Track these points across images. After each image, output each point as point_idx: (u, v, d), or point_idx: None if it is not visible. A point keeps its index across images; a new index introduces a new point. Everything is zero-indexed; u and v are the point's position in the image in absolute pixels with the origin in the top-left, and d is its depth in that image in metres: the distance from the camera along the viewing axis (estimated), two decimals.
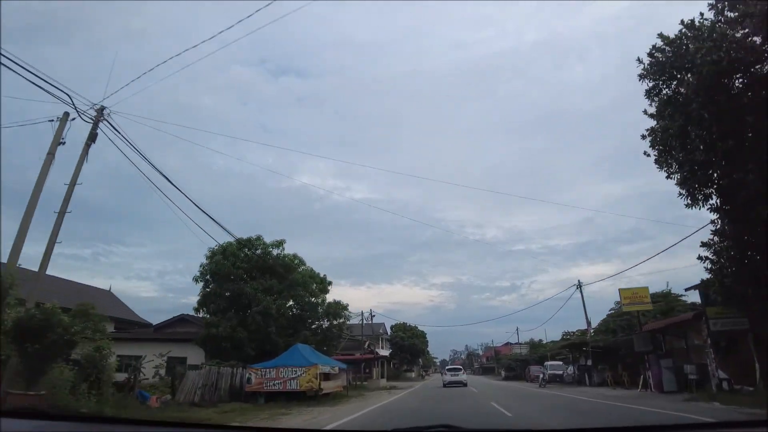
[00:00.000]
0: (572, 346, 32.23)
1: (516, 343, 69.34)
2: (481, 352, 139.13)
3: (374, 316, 56.07)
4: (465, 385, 33.16)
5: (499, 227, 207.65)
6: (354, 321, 51.16)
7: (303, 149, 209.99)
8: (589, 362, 29.96)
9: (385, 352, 64.54)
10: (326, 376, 22.43)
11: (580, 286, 39.06)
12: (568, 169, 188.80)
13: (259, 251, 28.01)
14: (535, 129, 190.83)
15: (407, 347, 59.91)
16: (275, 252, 28.14)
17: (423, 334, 64.50)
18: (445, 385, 33.28)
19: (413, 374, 74.34)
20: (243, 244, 26.94)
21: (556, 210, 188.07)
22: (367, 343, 63.80)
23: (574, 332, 35.38)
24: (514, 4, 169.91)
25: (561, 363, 43.31)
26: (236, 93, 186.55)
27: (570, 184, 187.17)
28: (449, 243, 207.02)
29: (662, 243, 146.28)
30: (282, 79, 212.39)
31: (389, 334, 62.95)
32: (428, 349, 67.13)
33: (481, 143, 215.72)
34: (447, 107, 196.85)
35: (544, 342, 68.28)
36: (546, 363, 44.55)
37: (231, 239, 26.15)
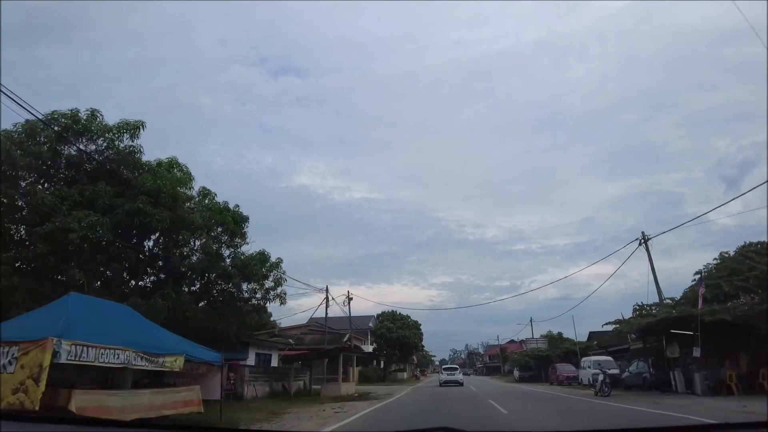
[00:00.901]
0: (664, 326, 19.01)
1: (531, 338, 56.51)
2: (482, 351, 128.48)
3: (351, 298, 43.22)
4: (461, 384, 33.77)
5: (499, 227, 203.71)
6: (333, 311, 38.47)
7: (302, 149, 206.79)
8: (697, 353, 16.92)
9: (371, 348, 51.69)
10: (159, 379, 9.43)
11: (645, 240, 26.12)
12: (568, 169, 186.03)
13: (102, 144, 15.07)
14: (534, 128, 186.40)
15: (395, 341, 46.94)
16: (122, 144, 15.11)
17: (416, 325, 51.59)
18: (441, 384, 33.99)
19: (405, 375, 61.27)
20: (59, 124, 13.89)
21: (556, 209, 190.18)
22: (347, 336, 51.39)
23: (650, 306, 22.27)
24: (513, 4, 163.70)
25: (610, 359, 30.41)
26: (235, 92, 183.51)
27: (570, 184, 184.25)
28: (449, 243, 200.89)
29: (662, 242, 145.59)
30: (281, 79, 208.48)
31: (374, 325, 50.02)
32: (423, 343, 54.14)
33: (481, 143, 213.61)
34: (447, 106, 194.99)
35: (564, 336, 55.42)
36: (589, 359, 31.68)
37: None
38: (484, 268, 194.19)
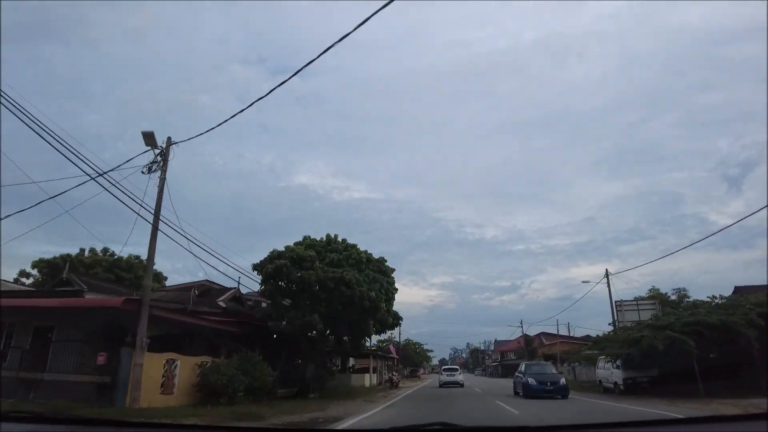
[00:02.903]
0: None
1: (628, 302, 27.58)
2: (483, 348, 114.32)
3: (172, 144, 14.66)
4: (462, 385, 32.86)
5: (499, 227, 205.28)
6: None
7: (302, 148, 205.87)
8: None
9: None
10: None
11: None
12: (568, 169, 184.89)
13: None
14: (534, 128, 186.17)
15: (321, 289, 17.91)
16: None
17: (381, 266, 22.65)
18: (441, 385, 32.86)
19: (371, 379, 32.18)
20: None
21: (556, 209, 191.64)
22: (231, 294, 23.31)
23: None
24: (512, 3, 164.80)
25: None
26: (235, 91, 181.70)
27: (570, 184, 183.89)
28: (449, 242, 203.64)
29: (662, 243, 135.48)
30: (281, 78, 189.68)
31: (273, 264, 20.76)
32: (392, 306, 24.58)
33: (481, 142, 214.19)
34: (446, 106, 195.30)
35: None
36: None
37: None
38: (484, 268, 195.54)
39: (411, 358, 66.65)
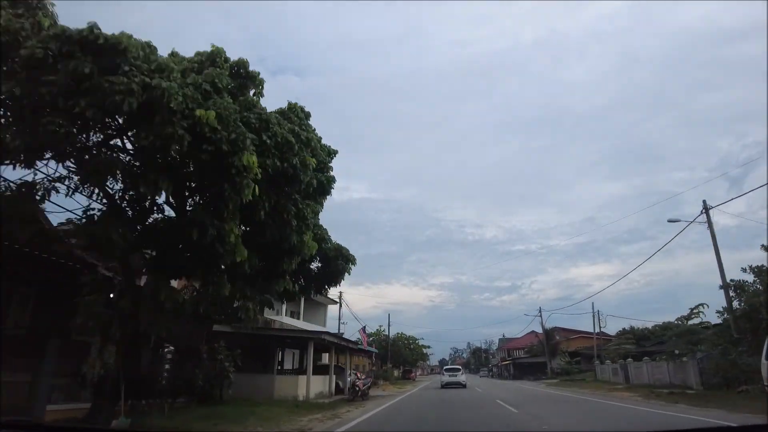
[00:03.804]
0: None
1: None
2: (487, 347, 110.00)
3: None
4: (464, 386, 33.11)
5: (499, 227, 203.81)
6: None
7: None
8: None
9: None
10: None
11: None
12: (568, 169, 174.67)
13: None
14: (534, 128, 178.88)
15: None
16: None
17: (295, 113, 10.48)
18: (443, 386, 33.62)
19: (306, 385, 19.06)
20: None
21: (556, 209, 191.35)
22: None
23: None
24: (512, 4, 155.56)
25: None
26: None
27: (570, 184, 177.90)
28: (448, 242, 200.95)
29: (663, 243, 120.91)
30: (280, 78, 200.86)
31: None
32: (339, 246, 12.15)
33: (481, 142, 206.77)
34: (446, 106, 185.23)
35: None
36: None
37: None
38: (484, 268, 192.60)
39: (403, 356, 53.77)
